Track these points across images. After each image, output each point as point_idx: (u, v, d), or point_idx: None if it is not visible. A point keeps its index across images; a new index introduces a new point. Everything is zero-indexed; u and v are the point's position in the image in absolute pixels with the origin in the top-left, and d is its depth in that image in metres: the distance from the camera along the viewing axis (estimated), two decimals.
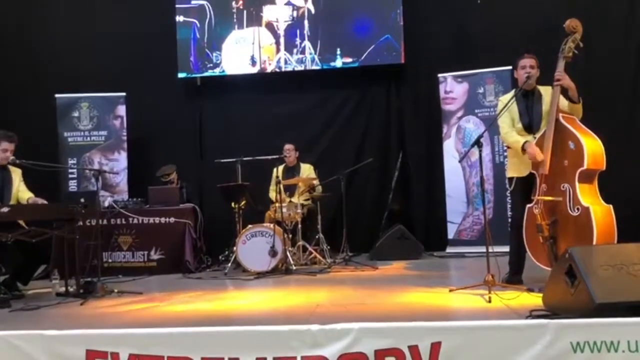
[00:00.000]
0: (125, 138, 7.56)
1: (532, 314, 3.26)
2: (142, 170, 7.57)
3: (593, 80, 6.41)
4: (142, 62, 7.81)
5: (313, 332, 2.82)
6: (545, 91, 4.48)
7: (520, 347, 2.70)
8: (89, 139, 7.54)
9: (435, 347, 2.73)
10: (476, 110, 7.13)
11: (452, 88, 7.24)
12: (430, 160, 7.52)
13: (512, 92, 4.62)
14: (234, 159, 6.78)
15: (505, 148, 6.85)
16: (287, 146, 6.88)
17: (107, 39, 7.87)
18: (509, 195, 6.83)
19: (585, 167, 4.07)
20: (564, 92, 4.31)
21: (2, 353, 2.94)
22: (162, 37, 7.79)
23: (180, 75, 7.68)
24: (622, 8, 7.04)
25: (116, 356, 2.87)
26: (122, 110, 7.58)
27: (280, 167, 6.74)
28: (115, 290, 5.01)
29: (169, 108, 7.90)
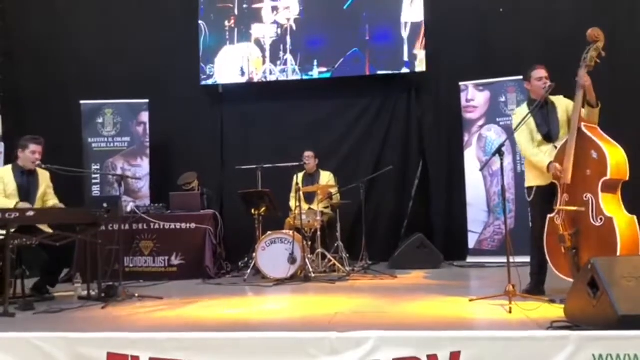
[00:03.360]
0: (148, 144, 7.66)
1: (554, 325, 3.22)
2: (164, 176, 7.66)
3: (616, 88, 6.33)
4: (165, 70, 7.91)
5: (331, 340, 2.82)
6: (557, 100, 4.50)
7: (541, 359, 2.67)
8: (112, 144, 7.65)
9: (455, 357, 2.71)
10: (498, 119, 7.09)
11: (474, 96, 7.21)
12: (451, 168, 7.48)
13: (525, 105, 4.61)
14: (254, 166, 6.83)
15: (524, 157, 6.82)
16: (307, 153, 6.91)
17: (131, 46, 7.99)
18: None
19: (608, 177, 4.02)
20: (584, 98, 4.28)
21: (25, 354, 2.99)
22: (184, 45, 7.90)
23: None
24: None
25: (136, 359, 2.90)
26: (145, 116, 7.68)
27: (300, 174, 6.77)
28: (136, 295, 5.06)
29: (191, 115, 7.98)
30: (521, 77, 6.83)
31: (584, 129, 4.19)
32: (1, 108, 8.15)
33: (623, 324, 2.80)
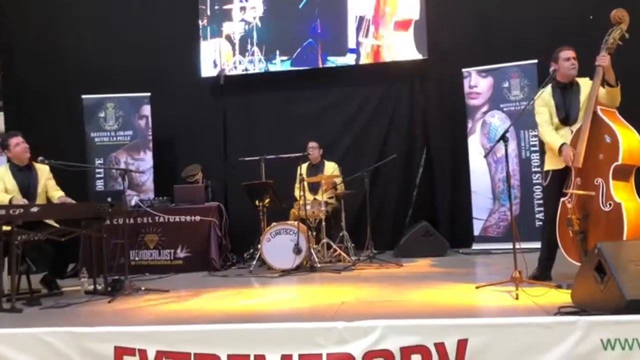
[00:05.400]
0: (150, 137, 7.65)
1: (561, 310, 3.21)
2: (167, 169, 7.66)
3: (634, 73, 6.24)
4: (165, 63, 7.90)
5: (339, 329, 2.82)
6: (584, 83, 4.39)
7: (549, 345, 2.67)
8: (115, 139, 7.65)
9: (462, 345, 2.70)
10: (501, 105, 7.05)
11: (477, 83, 7.17)
12: (455, 156, 7.44)
13: (549, 88, 4.48)
14: (257, 157, 6.81)
15: (533, 142, 6.77)
16: (311, 144, 6.89)
17: (130, 40, 7.97)
18: (535, 190, 6.78)
19: (620, 162, 3.95)
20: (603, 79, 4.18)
21: (33, 349, 3.00)
22: (185, 38, 7.89)
23: None
24: None
25: (144, 353, 2.90)
26: (147, 110, 7.67)
27: (304, 165, 6.75)
28: (143, 288, 5.07)
29: (193, 107, 7.97)
30: (524, 62, 6.89)
31: (599, 112, 4.11)
32: (2, 105, 8.16)
33: (631, 308, 2.78)
